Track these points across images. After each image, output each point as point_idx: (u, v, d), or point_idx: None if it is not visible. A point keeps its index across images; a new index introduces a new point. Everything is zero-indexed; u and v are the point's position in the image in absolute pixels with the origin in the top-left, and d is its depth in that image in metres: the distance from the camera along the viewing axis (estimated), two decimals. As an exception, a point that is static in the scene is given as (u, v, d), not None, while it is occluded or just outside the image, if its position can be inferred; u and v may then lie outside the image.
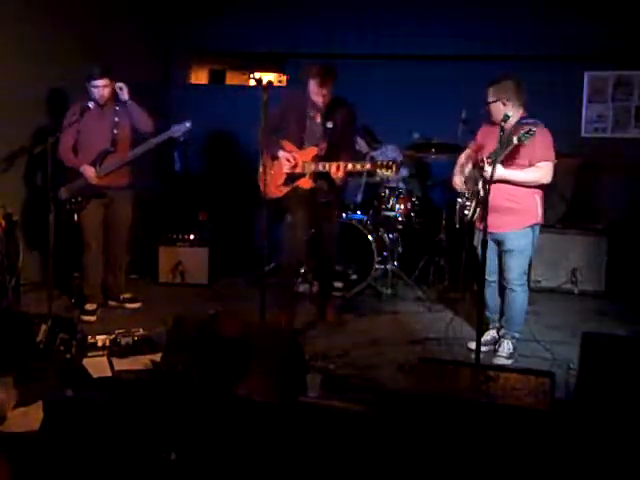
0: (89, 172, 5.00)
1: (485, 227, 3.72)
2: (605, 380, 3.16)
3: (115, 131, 5.04)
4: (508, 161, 4.18)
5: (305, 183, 4.81)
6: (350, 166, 4.65)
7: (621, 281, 6.05)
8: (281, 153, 4.81)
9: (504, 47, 6.67)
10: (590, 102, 6.80)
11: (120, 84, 4.98)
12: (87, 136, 5.03)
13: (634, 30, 6.36)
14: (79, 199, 5.02)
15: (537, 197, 4.31)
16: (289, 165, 4.80)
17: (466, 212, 4.41)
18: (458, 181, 4.51)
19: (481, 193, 4.24)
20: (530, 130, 3.94)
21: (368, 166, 4.69)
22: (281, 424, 3.18)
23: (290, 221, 4.99)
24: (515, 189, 4.25)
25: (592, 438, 2.94)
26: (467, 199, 4.41)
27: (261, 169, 4.76)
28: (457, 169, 4.58)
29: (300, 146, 4.81)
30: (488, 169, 4.02)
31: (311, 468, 2.89)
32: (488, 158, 4.17)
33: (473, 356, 3.62)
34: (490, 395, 3.23)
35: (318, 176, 4.80)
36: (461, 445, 2.94)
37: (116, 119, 5.05)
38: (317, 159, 4.75)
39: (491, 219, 4.26)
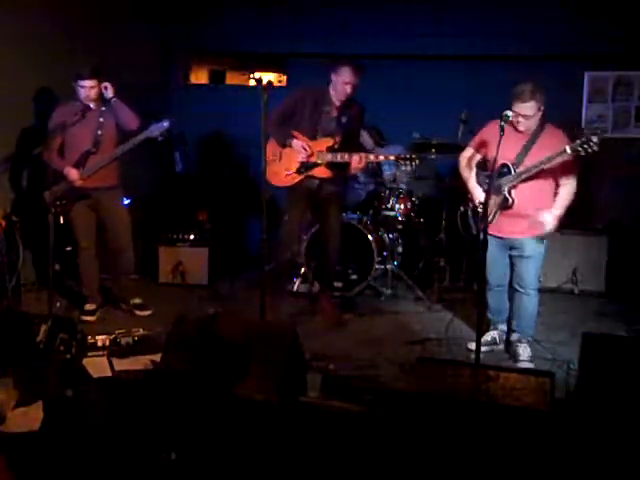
0: (73, 174, 4.92)
1: (485, 228, 3.70)
2: (605, 380, 3.15)
3: (99, 132, 4.97)
4: (524, 165, 4.11)
5: (322, 172, 4.88)
6: (372, 157, 4.83)
7: (621, 281, 6.05)
8: (295, 142, 4.85)
9: (504, 47, 6.67)
10: (590, 102, 6.80)
11: (105, 83, 4.92)
12: (72, 137, 4.95)
13: (634, 30, 6.36)
14: (63, 202, 4.98)
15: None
16: (305, 154, 4.86)
17: (489, 217, 4.24)
18: (479, 195, 4.32)
19: (510, 200, 4.16)
20: (590, 141, 3.77)
21: (392, 157, 4.82)
22: (281, 424, 3.18)
23: (286, 216, 5.01)
24: (537, 197, 4.18)
25: (592, 438, 2.93)
26: (482, 205, 4.22)
27: (268, 158, 4.78)
28: (470, 182, 4.40)
29: (312, 138, 4.86)
30: (548, 221, 4.09)
31: (311, 468, 2.89)
32: (515, 165, 4.10)
33: (473, 356, 3.62)
34: (490, 395, 3.22)
35: (333, 167, 4.88)
36: (461, 445, 2.93)
37: (101, 119, 4.97)
38: (330, 150, 4.83)
39: (509, 225, 4.24)
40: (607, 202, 6.57)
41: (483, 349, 4.39)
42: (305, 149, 4.84)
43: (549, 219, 4.12)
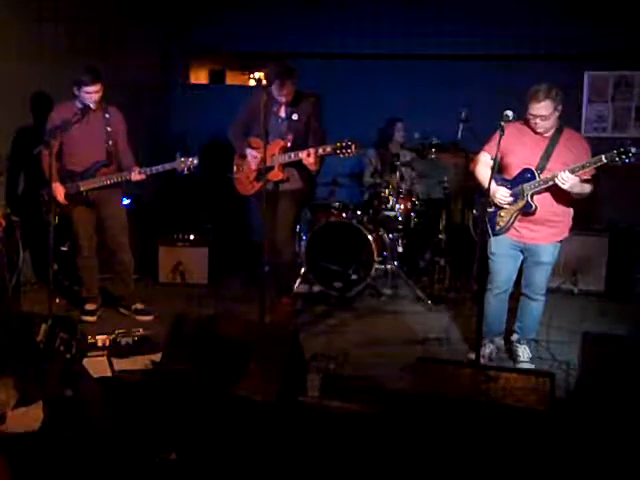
0: (59, 192, 4.84)
1: (484, 231, 3.68)
2: (605, 380, 3.16)
3: (110, 142, 4.95)
4: (549, 171, 4.01)
5: (275, 175, 4.82)
6: (321, 150, 4.66)
7: (621, 281, 6.05)
8: (248, 150, 4.89)
9: (504, 47, 6.68)
10: (590, 102, 6.80)
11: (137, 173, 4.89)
12: (72, 139, 4.87)
13: (634, 30, 6.36)
14: (66, 203, 4.94)
15: (572, 211, 4.21)
16: (256, 161, 4.86)
17: (501, 223, 4.19)
18: (505, 194, 4.12)
19: (533, 207, 4.05)
20: (628, 151, 3.68)
21: (329, 149, 4.62)
22: (281, 424, 3.18)
23: (265, 224, 4.71)
24: (557, 203, 4.10)
25: (592, 438, 2.94)
26: (499, 209, 4.19)
27: (234, 169, 5.04)
28: (491, 184, 3.92)
29: (266, 141, 4.58)
30: (571, 177, 3.85)
31: (311, 468, 2.89)
32: (538, 170, 4.02)
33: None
34: (490, 395, 3.22)
35: (287, 167, 4.83)
36: (461, 445, 2.93)
37: (108, 129, 4.94)
38: (284, 150, 4.80)
39: (528, 230, 4.15)
40: (607, 202, 6.57)
41: (482, 361, 4.37)
42: (255, 157, 4.86)
43: (571, 177, 3.86)
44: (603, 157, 3.79)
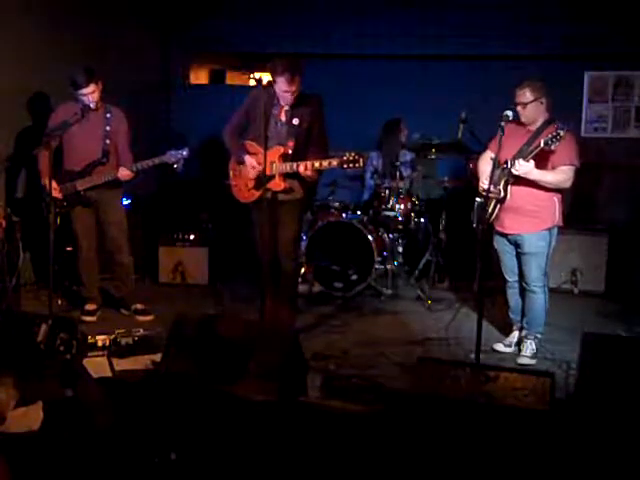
0: (54, 190, 4.76)
1: (484, 226, 3.72)
2: (605, 380, 3.15)
3: (107, 141, 4.94)
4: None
5: (276, 185, 4.50)
6: (317, 164, 4.38)
7: (621, 281, 6.05)
8: (247, 158, 4.59)
9: (504, 47, 6.68)
10: (590, 102, 6.80)
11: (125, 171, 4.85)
12: (73, 138, 4.88)
13: (634, 30, 6.36)
14: (64, 203, 4.95)
15: (556, 200, 4.29)
16: (255, 171, 4.56)
17: (489, 210, 4.35)
18: (487, 182, 4.23)
19: (502, 194, 4.22)
20: (558, 135, 3.93)
21: (335, 163, 4.32)
22: (281, 424, 3.18)
23: (257, 235, 4.71)
24: (536, 192, 4.22)
25: (592, 438, 2.93)
26: (486, 199, 4.30)
27: (230, 174, 4.74)
28: (483, 175, 4.39)
29: (265, 146, 4.38)
30: (524, 164, 4.05)
31: (311, 468, 2.89)
32: (512, 160, 4.15)
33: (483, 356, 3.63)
34: (490, 395, 3.22)
35: (288, 176, 4.54)
36: (461, 445, 2.93)
37: (107, 128, 4.93)
38: (284, 158, 4.49)
39: (509, 221, 4.31)
40: (607, 202, 6.57)
41: (507, 350, 4.54)
42: (254, 167, 4.54)
43: (523, 163, 4.08)
44: (542, 142, 4.01)
